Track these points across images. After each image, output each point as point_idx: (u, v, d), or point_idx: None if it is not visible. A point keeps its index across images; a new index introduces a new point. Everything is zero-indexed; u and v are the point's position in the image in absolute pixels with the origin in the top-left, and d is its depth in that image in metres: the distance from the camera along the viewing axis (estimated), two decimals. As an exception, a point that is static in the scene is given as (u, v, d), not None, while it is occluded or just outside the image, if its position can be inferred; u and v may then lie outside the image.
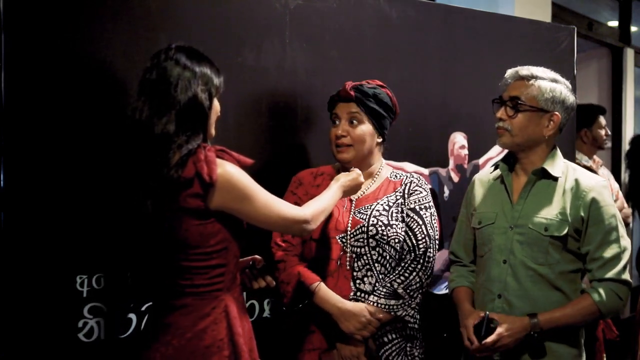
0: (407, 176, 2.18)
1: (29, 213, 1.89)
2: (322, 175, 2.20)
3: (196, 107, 1.67)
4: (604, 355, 3.65)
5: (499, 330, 1.93)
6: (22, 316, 1.88)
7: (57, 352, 1.94)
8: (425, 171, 2.74)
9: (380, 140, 2.16)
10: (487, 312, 1.98)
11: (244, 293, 2.25)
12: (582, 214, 1.98)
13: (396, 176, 2.19)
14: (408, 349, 2.11)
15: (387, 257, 2.08)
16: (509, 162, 2.14)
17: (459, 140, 2.84)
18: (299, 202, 2.10)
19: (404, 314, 2.05)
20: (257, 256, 1.92)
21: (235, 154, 1.74)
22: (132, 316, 2.08)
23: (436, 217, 2.15)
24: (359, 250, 2.07)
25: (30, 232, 1.89)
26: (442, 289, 2.75)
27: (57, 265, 1.93)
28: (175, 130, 1.63)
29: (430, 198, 2.16)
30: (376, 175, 2.19)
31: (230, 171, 1.66)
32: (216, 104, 1.76)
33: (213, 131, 1.78)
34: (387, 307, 2.03)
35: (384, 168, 2.22)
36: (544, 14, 4.61)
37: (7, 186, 1.85)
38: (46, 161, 1.91)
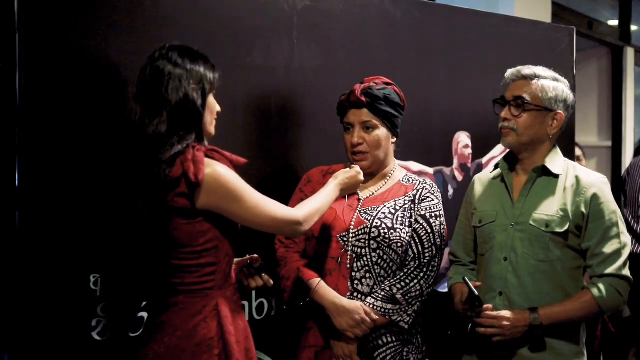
0: (420, 182, 2.15)
1: (43, 212, 1.90)
2: (332, 173, 2.14)
3: (188, 105, 1.64)
4: (601, 353, 3.68)
5: (502, 313, 1.96)
6: (36, 315, 1.89)
7: (71, 350, 1.95)
8: (430, 170, 2.76)
9: (394, 140, 2.14)
10: (465, 277, 1.99)
11: (253, 292, 2.27)
12: (583, 210, 1.99)
13: (409, 180, 2.16)
14: (405, 353, 2.09)
15: (388, 261, 2.07)
16: (510, 161, 2.15)
17: (463, 140, 2.86)
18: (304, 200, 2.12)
19: (398, 319, 2.03)
20: (255, 255, 1.91)
21: (227, 153, 1.71)
22: (144, 314, 2.09)
23: (445, 227, 2.14)
24: (359, 250, 2.06)
25: (44, 231, 1.90)
26: (445, 287, 2.77)
27: (71, 264, 1.94)
28: (167, 130, 1.62)
29: (441, 207, 2.14)
30: (388, 177, 2.16)
31: (218, 171, 1.63)
32: (211, 102, 1.73)
33: (212, 129, 1.75)
34: (382, 310, 2.02)
35: (397, 170, 2.19)
36: (544, 13, 4.63)
37: (22, 185, 1.87)
38: (61, 160, 1.92)
